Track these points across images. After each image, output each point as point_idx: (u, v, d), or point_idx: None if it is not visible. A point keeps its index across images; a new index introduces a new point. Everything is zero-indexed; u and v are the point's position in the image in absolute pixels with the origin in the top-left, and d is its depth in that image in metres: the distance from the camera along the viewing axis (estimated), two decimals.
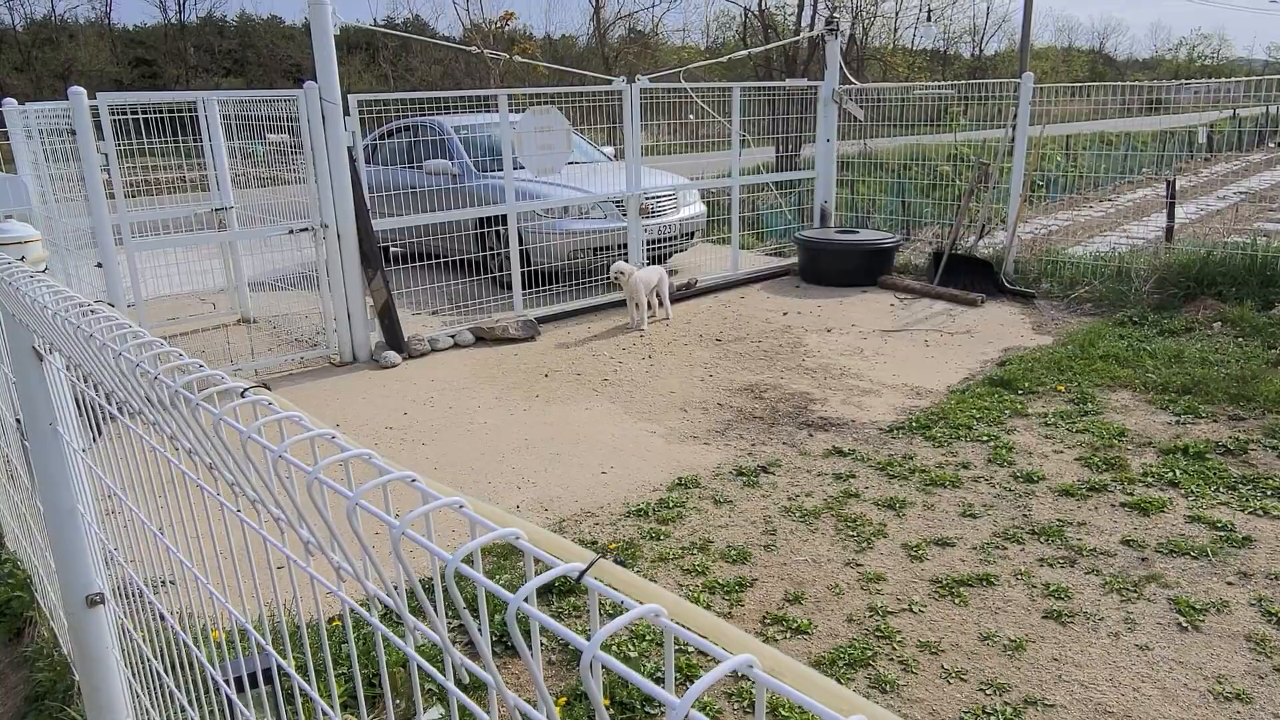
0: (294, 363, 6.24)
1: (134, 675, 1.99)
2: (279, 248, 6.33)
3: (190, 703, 1.57)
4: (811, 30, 16.88)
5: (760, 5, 18.87)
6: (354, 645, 0.94)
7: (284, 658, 1.14)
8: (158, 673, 1.73)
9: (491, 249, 7.85)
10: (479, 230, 7.77)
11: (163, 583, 2.09)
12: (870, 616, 3.14)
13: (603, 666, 0.52)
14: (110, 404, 1.41)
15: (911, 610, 3.17)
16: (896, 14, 29.92)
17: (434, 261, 7.50)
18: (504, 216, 7.00)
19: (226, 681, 1.30)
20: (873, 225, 9.31)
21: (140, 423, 1.29)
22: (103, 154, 5.12)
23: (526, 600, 0.50)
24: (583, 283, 7.71)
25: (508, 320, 6.75)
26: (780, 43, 14.85)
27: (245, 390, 0.91)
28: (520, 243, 7.14)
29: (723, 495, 4.10)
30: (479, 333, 6.70)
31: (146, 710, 1.90)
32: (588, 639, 0.47)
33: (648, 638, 3.02)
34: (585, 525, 3.89)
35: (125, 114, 5.77)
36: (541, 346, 6.60)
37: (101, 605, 2.02)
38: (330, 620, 2.98)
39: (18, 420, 2.44)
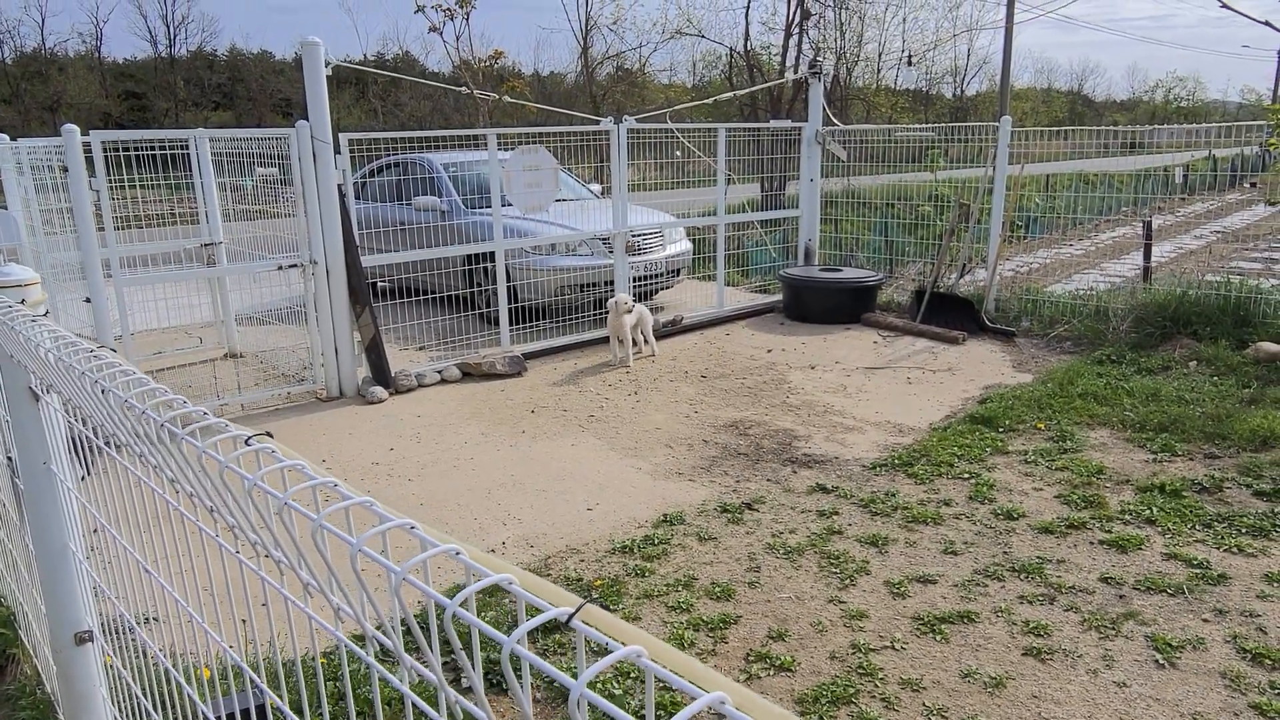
0: (280, 397, 6.25)
1: (120, 713, 2.00)
2: (267, 282, 6.37)
3: None
4: (795, 72, 17.20)
5: (746, 46, 19.22)
6: (349, 683, 0.98)
7: (274, 696, 1.17)
8: (146, 711, 1.74)
9: (479, 285, 7.92)
10: (467, 266, 7.84)
11: (148, 620, 2.11)
12: (853, 653, 3.17)
13: (589, 704, 0.57)
14: (111, 446, 1.44)
15: (894, 647, 3.20)
16: (879, 55, 30.48)
17: (422, 298, 7.56)
18: (491, 253, 7.07)
19: (219, 718, 1.33)
20: (856, 263, 9.44)
21: (140, 463, 1.33)
22: (94, 190, 5.17)
23: (518, 642, 0.55)
24: (569, 319, 7.77)
25: (494, 356, 6.79)
26: (766, 84, 15.11)
27: (250, 439, 0.95)
28: (507, 279, 7.21)
29: (707, 532, 4.13)
30: (466, 368, 6.74)
31: None
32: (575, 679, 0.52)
33: (633, 675, 3.04)
34: (571, 562, 3.91)
35: (116, 150, 5.82)
36: (528, 382, 6.64)
37: (90, 643, 2.04)
38: (312, 658, 2.99)
39: (9, 458, 2.46)
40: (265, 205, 6.73)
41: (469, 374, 6.74)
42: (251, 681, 1.20)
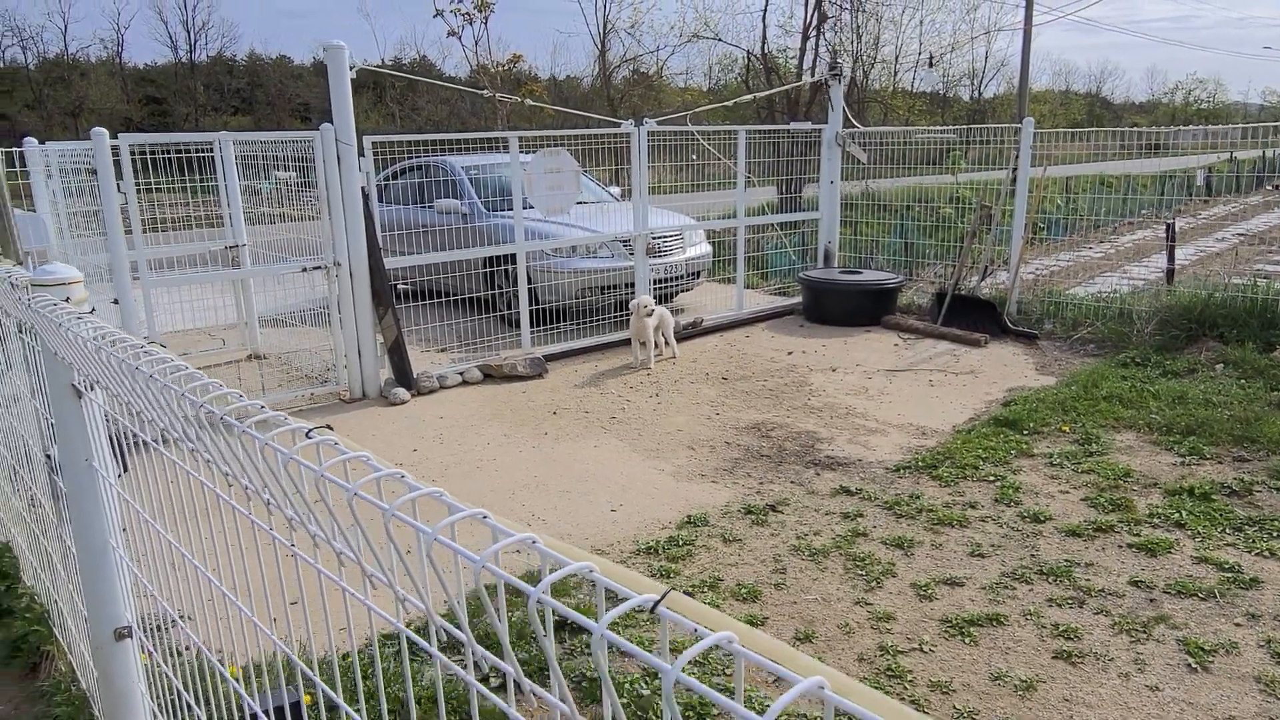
0: (304, 398, 6.29)
1: (160, 709, 2.01)
2: (291, 284, 6.42)
3: None
4: (813, 75, 17.16)
5: (763, 49, 19.20)
6: (409, 674, 0.98)
7: (314, 690, 1.18)
8: (188, 705, 1.76)
9: (499, 287, 7.94)
10: (487, 269, 7.86)
11: (182, 616, 2.13)
12: (881, 655, 3.15)
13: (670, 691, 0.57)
14: (159, 442, 1.46)
15: (922, 650, 3.19)
16: (896, 58, 30.36)
17: (442, 300, 7.59)
18: (512, 255, 7.10)
19: (266, 712, 1.34)
20: (876, 265, 9.41)
21: (190, 458, 1.34)
22: (122, 193, 5.22)
23: (608, 628, 0.55)
24: (590, 321, 7.78)
25: (515, 358, 6.81)
26: (785, 87, 15.09)
27: (310, 431, 0.96)
28: (528, 281, 7.23)
29: (732, 533, 4.13)
30: (487, 370, 6.76)
31: None
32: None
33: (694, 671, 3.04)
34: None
35: (141, 153, 5.88)
36: (549, 384, 6.65)
37: (129, 639, 2.05)
38: (367, 649, 3.00)
39: (48, 456, 2.49)
40: (283, 208, 6.78)
41: (490, 376, 6.76)
42: (302, 674, 1.21)
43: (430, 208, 8.26)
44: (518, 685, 0.69)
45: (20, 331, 2.34)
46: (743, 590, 3.60)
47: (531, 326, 7.24)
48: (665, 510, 4.43)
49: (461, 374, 6.67)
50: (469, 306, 7.99)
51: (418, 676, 2.87)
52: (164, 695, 2.04)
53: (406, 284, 8.32)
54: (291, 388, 6.39)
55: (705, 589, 3.62)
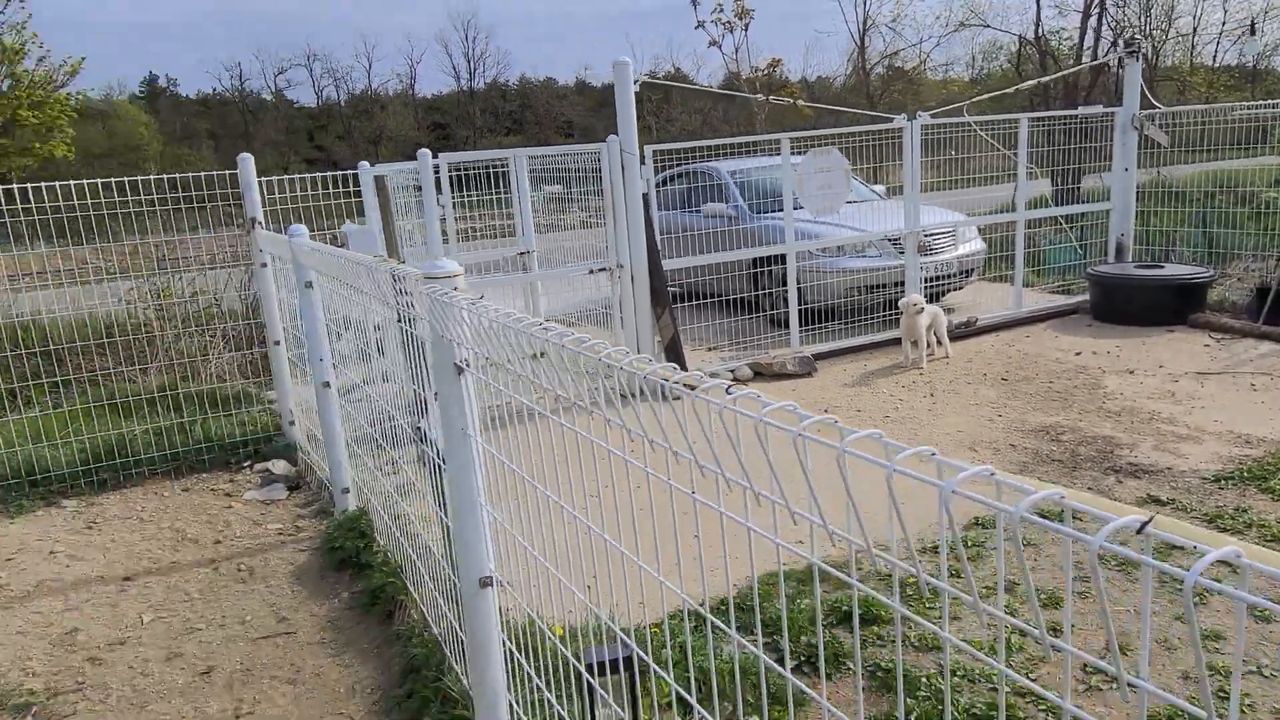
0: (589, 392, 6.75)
1: (518, 649, 2.29)
2: (578, 286, 6.92)
3: (579, 679, 1.81)
4: (1094, 57, 15.82)
5: (1037, 32, 17.98)
6: (858, 634, 1.09)
7: (739, 638, 1.32)
8: (554, 646, 2.00)
9: (765, 287, 8.06)
10: (753, 270, 8.01)
11: (503, 581, 2.40)
12: (1208, 675, 2.90)
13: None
14: (544, 408, 1.68)
15: (1260, 673, 2.90)
16: (1194, 29, 27.20)
17: (709, 300, 7.83)
18: (778, 256, 7.19)
19: (610, 662, 1.51)
20: (1176, 259, 8.54)
21: (583, 421, 1.54)
22: (440, 206, 5.89)
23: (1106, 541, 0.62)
24: (856, 320, 7.70)
25: (785, 356, 6.89)
26: (1067, 71, 14.05)
27: (729, 387, 1.09)
28: (796, 281, 7.28)
29: (1025, 537, 3.95)
30: (756, 368, 6.89)
31: (527, 681, 2.19)
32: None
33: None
34: (878, 558, 3.90)
35: (452, 171, 6.60)
36: (819, 382, 6.67)
37: (491, 587, 2.36)
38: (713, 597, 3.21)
39: (417, 428, 2.90)
40: (551, 218, 7.35)
41: (760, 373, 6.88)
42: (709, 623, 1.36)
43: (698, 212, 8.54)
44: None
45: (399, 320, 2.75)
46: (1041, 596, 3.44)
47: (799, 326, 7.29)
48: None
49: (733, 371, 6.85)
50: (732, 307, 8.18)
51: (719, 651, 3.03)
52: (515, 639, 2.33)
53: (675, 285, 8.66)
54: (575, 382, 6.87)
55: (996, 591, 3.50)
